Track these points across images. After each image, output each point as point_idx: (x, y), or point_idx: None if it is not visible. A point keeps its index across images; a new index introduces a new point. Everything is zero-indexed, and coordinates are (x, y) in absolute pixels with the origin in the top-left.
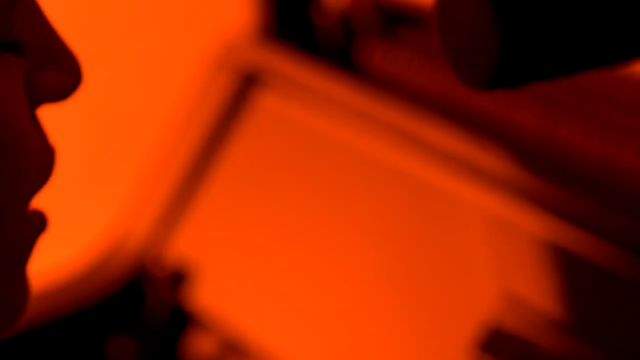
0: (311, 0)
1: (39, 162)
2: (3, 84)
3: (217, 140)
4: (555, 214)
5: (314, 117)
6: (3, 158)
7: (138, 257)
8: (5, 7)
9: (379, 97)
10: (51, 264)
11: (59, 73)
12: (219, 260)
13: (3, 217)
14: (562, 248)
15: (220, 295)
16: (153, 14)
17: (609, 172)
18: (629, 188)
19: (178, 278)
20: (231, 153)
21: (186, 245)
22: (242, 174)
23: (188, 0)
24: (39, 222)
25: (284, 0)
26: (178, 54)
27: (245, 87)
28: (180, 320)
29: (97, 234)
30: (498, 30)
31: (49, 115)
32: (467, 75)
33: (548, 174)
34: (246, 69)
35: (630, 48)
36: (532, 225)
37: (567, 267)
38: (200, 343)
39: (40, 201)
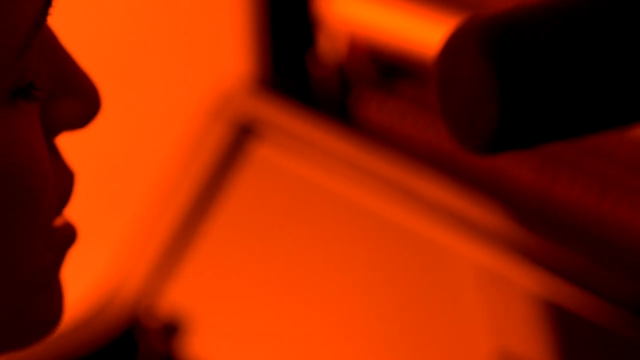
0: (307, 51)
1: (57, 191)
2: (20, 131)
3: (211, 190)
4: (550, 270)
5: (309, 168)
6: (25, 200)
7: (131, 307)
8: (16, 58)
9: (374, 149)
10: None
11: (76, 101)
12: (212, 311)
13: (29, 246)
14: (556, 304)
15: (214, 347)
16: (149, 65)
17: (604, 228)
18: (624, 245)
19: (171, 329)
20: (226, 203)
21: (180, 296)
22: (237, 224)
23: (184, 51)
24: (66, 237)
25: (280, 51)
26: (174, 104)
27: (240, 137)
28: None
29: (90, 284)
30: (499, 98)
31: None
32: (466, 139)
33: (543, 230)
34: (242, 119)
35: (627, 115)
36: (526, 280)
37: (560, 323)
38: None
39: None
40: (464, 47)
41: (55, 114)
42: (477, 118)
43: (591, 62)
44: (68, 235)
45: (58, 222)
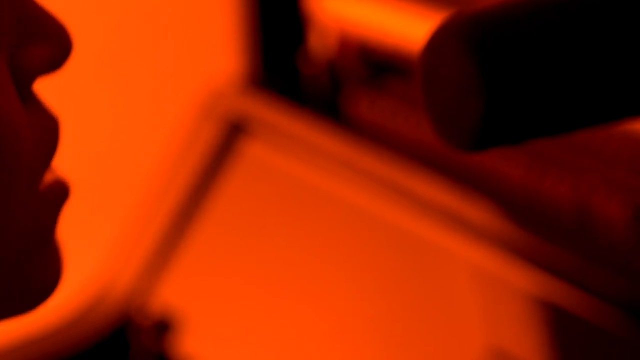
0: (298, 49)
1: (37, 141)
2: None
3: (202, 188)
4: (542, 268)
5: (299, 166)
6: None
7: (123, 305)
8: None
9: (364, 147)
10: (34, 312)
11: (45, 45)
12: (204, 309)
13: (13, 207)
14: (548, 302)
15: (206, 345)
16: (139, 63)
17: (594, 225)
18: (615, 242)
19: (163, 327)
20: (217, 201)
21: (172, 294)
22: (228, 222)
23: (174, 49)
24: (58, 193)
25: (271, 48)
26: (165, 102)
27: (231, 135)
28: None
29: (81, 282)
30: (483, 94)
31: None
32: (450, 136)
33: (534, 227)
34: (232, 117)
35: (613, 111)
36: (518, 278)
37: (553, 321)
38: None
39: None
40: (447, 44)
41: (25, 62)
42: (461, 115)
43: (577, 57)
44: (60, 191)
45: (48, 177)
